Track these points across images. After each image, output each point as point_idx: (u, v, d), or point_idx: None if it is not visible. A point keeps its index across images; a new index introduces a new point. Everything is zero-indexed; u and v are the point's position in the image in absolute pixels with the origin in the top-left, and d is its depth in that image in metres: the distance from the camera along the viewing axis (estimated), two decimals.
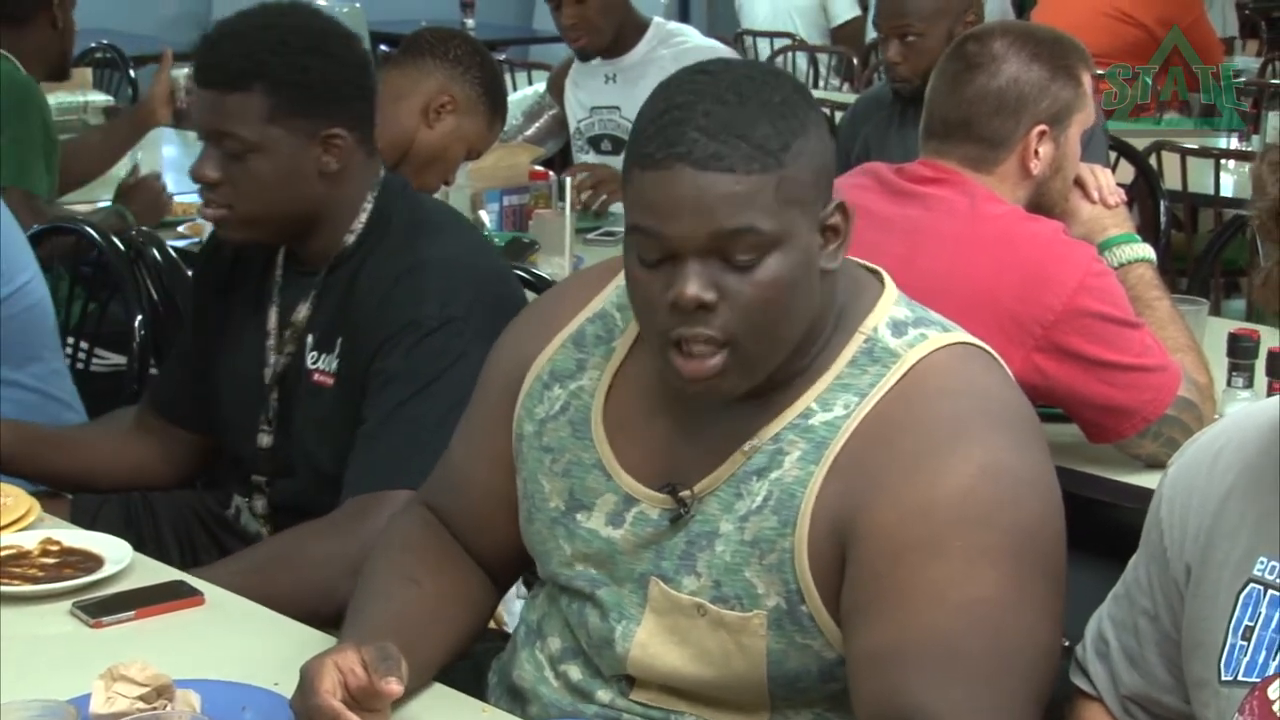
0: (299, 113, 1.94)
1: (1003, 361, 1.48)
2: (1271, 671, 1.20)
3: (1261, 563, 1.23)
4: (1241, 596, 1.23)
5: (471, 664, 1.64)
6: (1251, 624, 1.22)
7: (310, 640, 1.60)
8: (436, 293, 1.94)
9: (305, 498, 1.99)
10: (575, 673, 1.53)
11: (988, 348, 1.47)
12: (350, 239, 2.01)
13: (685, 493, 1.44)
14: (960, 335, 1.46)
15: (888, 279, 1.50)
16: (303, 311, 2.03)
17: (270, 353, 2.05)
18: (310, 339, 2.02)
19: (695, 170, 1.34)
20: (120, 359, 2.85)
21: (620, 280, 1.56)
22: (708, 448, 1.45)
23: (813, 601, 1.39)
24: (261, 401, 2.05)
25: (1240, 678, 1.22)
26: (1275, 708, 1.19)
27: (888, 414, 1.39)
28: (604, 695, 1.50)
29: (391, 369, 1.93)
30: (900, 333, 1.44)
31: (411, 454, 1.83)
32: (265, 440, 2.05)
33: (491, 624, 1.92)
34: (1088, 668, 1.40)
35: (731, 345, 1.37)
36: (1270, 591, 1.22)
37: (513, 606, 2.02)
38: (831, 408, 1.41)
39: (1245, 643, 1.23)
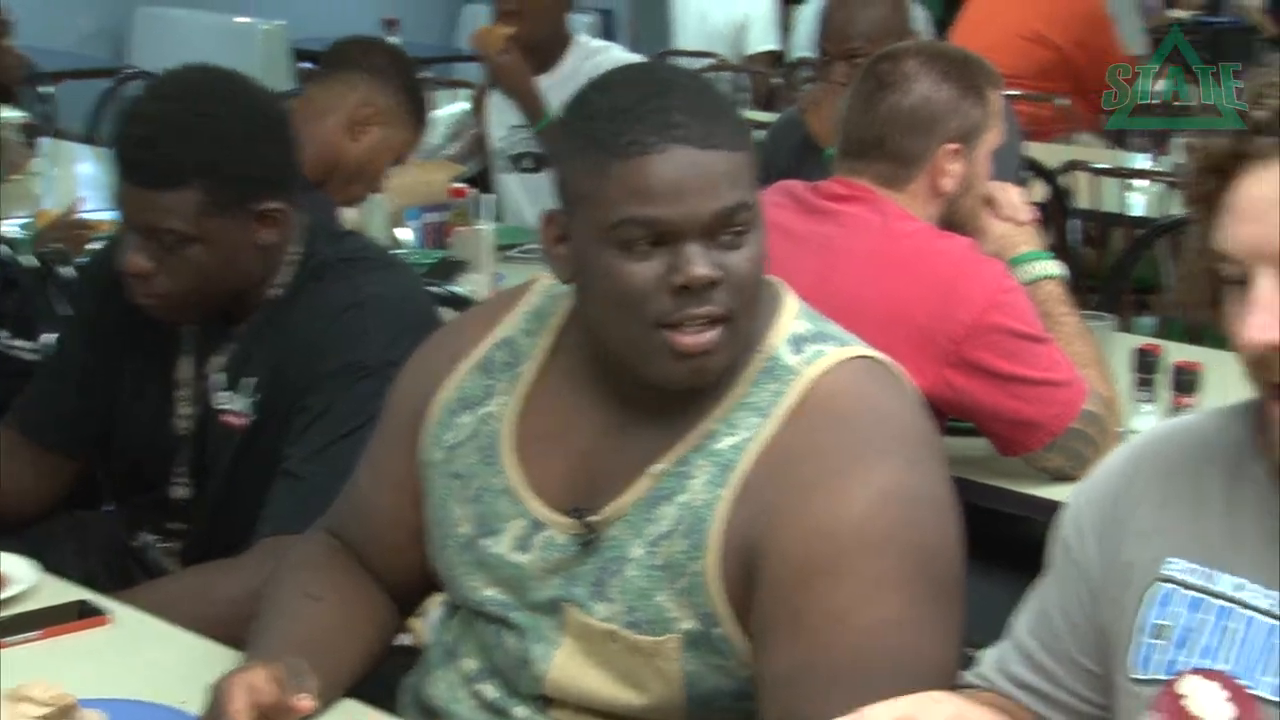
0: (237, 201, 1.87)
1: (899, 371, 1.49)
2: (1183, 669, 1.22)
3: (1171, 563, 1.25)
4: (1148, 596, 1.26)
5: (382, 681, 1.64)
6: (1162, 622, 1.25)
7: (218, 658, 1.58)
8: (379, 333, 1.90)
9: (221, 544, 1.93)
10: (491, 692, 1.52)
11: (885, 359, 1.48)
12: (279, 290, 1.95)
13: (593, 517, 1.45)
14: (858, 348, 1.47)
15: (789, 293, 1.51)
16: (219, 363, 1.97)
17: (182, 404, 1.98)
18: (217, 379, 1.96)
19: (694, 149, 1.35)
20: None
21: (526, 306, 1.57)
22: (615, 472, 1.45)
23: (726, 624, 1.40)
24: (174, 453, 1.98)
25: (1153, 676, 1.24)
26: (1184, 703, 1.21)
27: (790, 438, 1.40)
28: (520, 713, 1.50)
29: (321, 407, 1.88)
30: (799, 349, 1.45)
31: (334, 497, 1.73)
32: (182, 492, 1.99)
33: (411, 640, 1.91)
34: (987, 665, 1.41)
35: (728, 320, 1.39)
36: (1181, 590, 1.24)
37: (433, 620, 2.01)
38: (736, 429, 1.42)
39: (1157, 641, 1.25)
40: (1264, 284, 1.12)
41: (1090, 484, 1.36)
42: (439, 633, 1.63)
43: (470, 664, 1.55)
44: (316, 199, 2.06)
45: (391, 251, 3.31)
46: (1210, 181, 1.16)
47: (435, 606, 1.71)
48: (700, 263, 1.36)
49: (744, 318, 1.40)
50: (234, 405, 1.95)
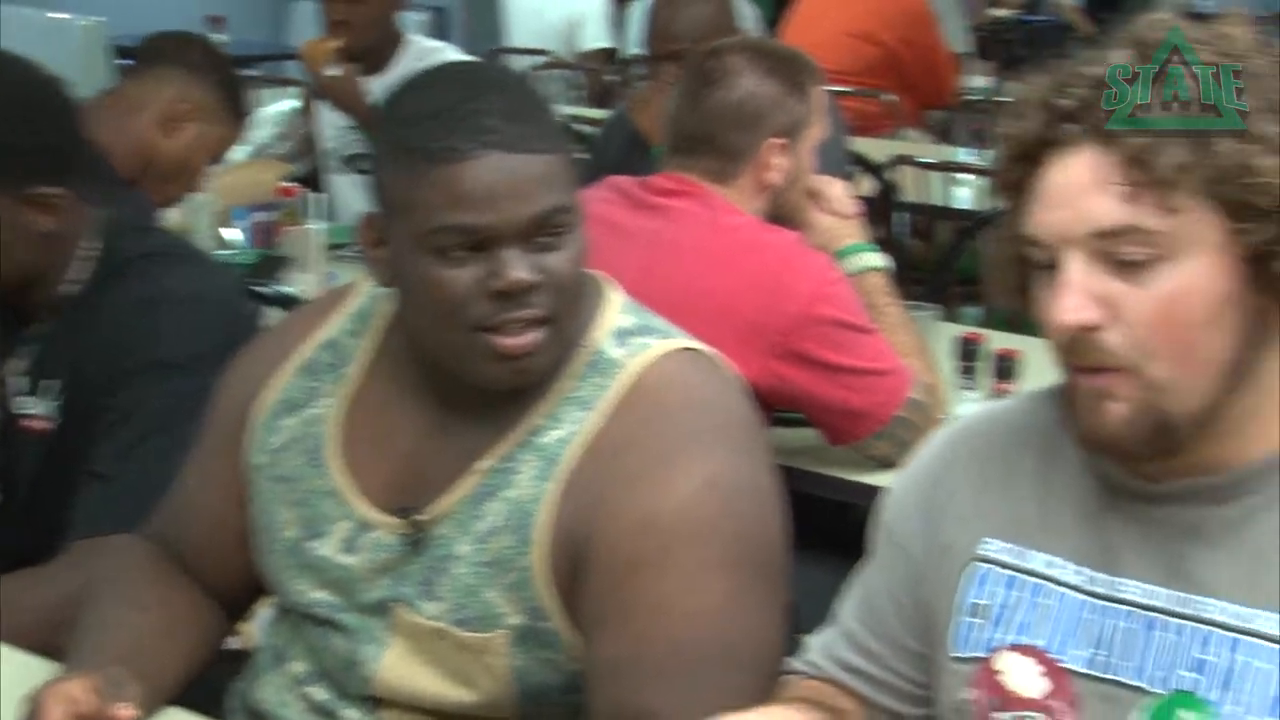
0: (3, 182, 1.78)
1: (723, 362, 1.51)
2: (1000, 645, 1.26)
3: (988, 543, 1.28)
4: (966, 576, 1.29)
5: (210, 686, 1.61)
6: (980, 601, 1.28)
7: (33, 669, 1.54)
8: (183, 328, 1.85)
9: (31, 551, 1.85)
10: (320, 694, 1.51)
11: (709, 351, 1.50)
12: (75, 287, 1.88)
13: (420, 516, 1.44)
14: (681, 340, 1.48)
15: (613, 287, 1.52)
16: (18, 366, 1.90)
17: None
18: (16, 383, 1.89)
19: (507, 154, 1.34)
20: None
21: (349, 308, 1.56)
22: (441, 470, 1.45)
23: (554, 617, 1.41)
24: None
25: (972, 653, 1.27)
26: (1001, 679, 1.25)
27: (615, 430, 1.41)
28: (350, 715, 1.49)
29: (128, 406, 1.82)
30: (623, 343, 1.46)
31: (148, 496, 1.69)
32: None
33: (239, 643, 1.88)
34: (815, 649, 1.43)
35: (550, 322, 1.39)
36: (998, 569, 1.27)
37: (262, 623, 1.98)
38: (561, 423, 1.43)
39: (975, 619, 1.28)
40: (1072, 267, 1.15)
41: (911, 469, 1.39)
42: (268, 636, 1.61)
43: (299, 667, 1.53)
44: (131, 196, 2.00)
45: (219, 252, 3.27)
46: (1019, 169, 1.19)
47: (264, 609, 1.69)
48: (518, 267, 1.36)
49: (565, 317, 1.41)
50: (36, 409, 1.89)
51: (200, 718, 1.49)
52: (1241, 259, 1.13)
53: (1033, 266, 1.19)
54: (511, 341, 1.38)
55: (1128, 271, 1.13)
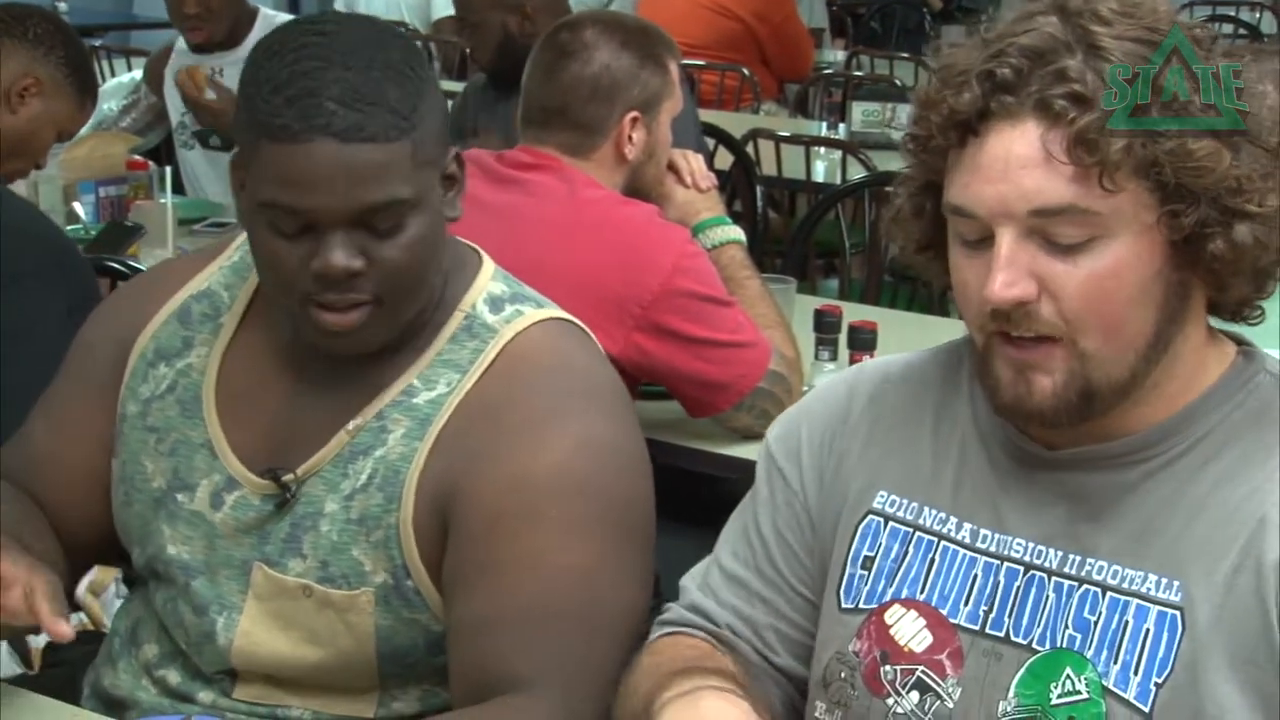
0: None
1: (593, 336, 1.52)
2: (889, 599, 1.27)
3: (881, 496, 1.30)
4: (860, 528, 1.30)
5: (65, 670, 1.57)
6: (871, 554, 1.29)
7: None
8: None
9: None
10: (174, 677, 1.49)
11: (579, 323, 1.51)
12: None
13: (288, 476, 1.43)
14: (553, 310, 1.49)
15: (485, 256, 1.52)
16: None
17: None
18: None
19: (338, 143, 1.32)
20: None
21: (225, 261, 1.54)
22: (312, 429, 1.44)
23: (419, 576, 1.40)
24: None
25: (861, 605, 1.28)
26: (891, 631, 1.26)
27: (488, 390, 1.41)
28: (206, 697, 1.47)
29: None
30: (497, 309, 1.46)
31: None
32: None
33: (90, 625, 1.84)
34: (697, 604, 1.38)
35: (377, 302, 1.38)
36: (890, 523, 1.29)
37: (111, 607, 1.94)
38: (434, 385, 1.42)
39: (865, 572, 1.29)
40: (1006, 242, 1.14)
41: (804, 414, 1.37)
42: (118, 619, 1.58)
43: (151, 650, 1.51)
44: None
45: (68, 227, 3.19)
46: (952, 137, 1.17)
47: (112, 594, 1.65)
48: (338, 254, 1.34)
49: (399, 299, 1.39)
50: None
51: (54, 700, 1.46)
52: (1168, 239, 1.14)
53: (960, 238, 1.18)
54: (334, 318, 1.37)
55: (1062, 248, 1.14)
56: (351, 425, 1.43)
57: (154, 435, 1.49)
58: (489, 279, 1.49)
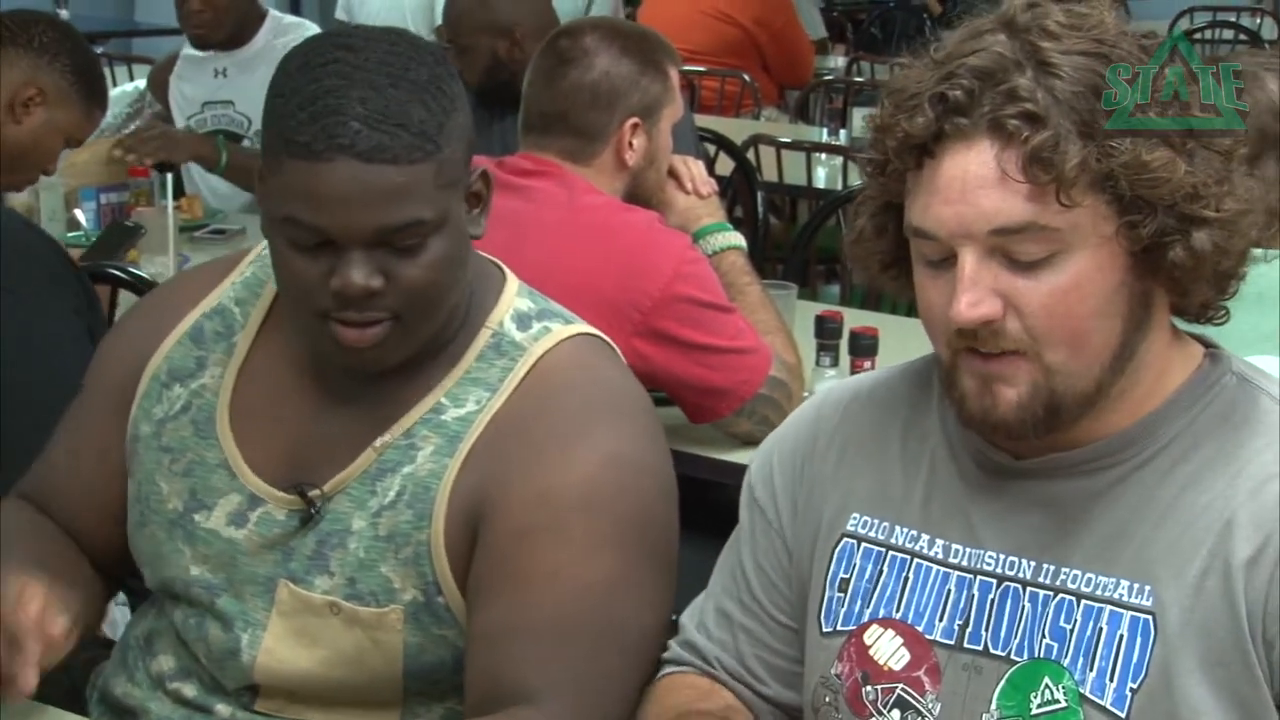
0: None
1: (616, 348, 1.52)
2: (866, 619, 1.28)
3: (854, 519, 1.30)
4: (835, 551, 1.31)
5: (68, 677, 1.57)
6: (847, 576, 1.30)
7: None
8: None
9: None
10: (190, 689, 1.48)
11: (605, 337, 1.51)
12: None
13: (315, 492, 1.42)
14: (580, 326, 1.49)
15: (507, 271, 1.52)
16: None
17: None
18: None
19: (360, 163, 1.31)
20: None
21: (238, 276, 1.54)
22: (338, 445, 1.44)
23: (450, 593, 1.40)
24: None
25: (840, 628, 1.29)
26: (870, 652, 1.27)
27: (518, 407, 1.41)
28: (224, 710, 1.46)
29: None
30: (525, 326, 1.46)
31: None
32: None
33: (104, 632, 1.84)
34: (693, 641, 1.42)
35: (396, 319, 1.37)
36: (863, 544, 1.29)
37: (113, 616, 1.94)
38: (463, 403, 1.42)
39: (842, 594, 1.30)
40: (969, 262, 1.15)
41: (777, 442, 1.40)
42: (131, 626, 1.57)
43: (166, 662, 1.50)
44: None
45: (68, 234, 3.19)
46: (908, 160, 1.17)
47: (119, 606, 1.65)
48: (357, 273, 1.34)
49: (419, 317, 1.39)
50: None
51: (60, 710, 1.46)
52: (1129, 250, 1.15)
53: (922, 259, 1.19)
54: (353, 334, 1.37)
55: (1024, 264, 1.14)
56: (379, 442, 1.42)
57: (168, 456, 1.49)
58: (514, 295, 1.48)
